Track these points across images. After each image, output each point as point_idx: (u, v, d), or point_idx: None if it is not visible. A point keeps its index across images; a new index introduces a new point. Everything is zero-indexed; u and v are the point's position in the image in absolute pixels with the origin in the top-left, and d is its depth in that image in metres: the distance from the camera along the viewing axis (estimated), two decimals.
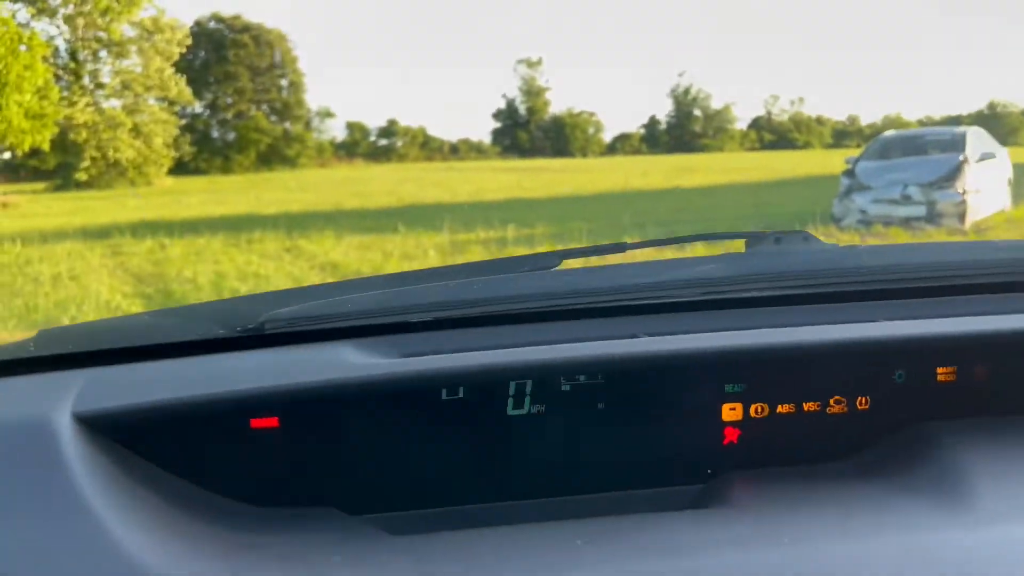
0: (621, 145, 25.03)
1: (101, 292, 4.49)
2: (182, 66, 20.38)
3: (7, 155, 15.67)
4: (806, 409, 0.49)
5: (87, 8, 18.26)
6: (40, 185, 17.35)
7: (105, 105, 18.70)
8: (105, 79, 18.93)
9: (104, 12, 18.01)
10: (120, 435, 0.43)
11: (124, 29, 19.45)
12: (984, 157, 5.99)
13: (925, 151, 6.22)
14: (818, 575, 0.35)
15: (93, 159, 17.56)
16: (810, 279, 0.56)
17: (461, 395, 0.48)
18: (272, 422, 0.44)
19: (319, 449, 0.47)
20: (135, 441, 0.43)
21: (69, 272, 5.19)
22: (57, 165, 17.31)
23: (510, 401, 0.49)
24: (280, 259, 5.56)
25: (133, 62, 20.03)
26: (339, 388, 0.45)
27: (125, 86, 19.97)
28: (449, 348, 0.50)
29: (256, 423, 0.44)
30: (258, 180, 18.34)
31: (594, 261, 0.62)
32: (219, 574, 0.36)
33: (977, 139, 6.24)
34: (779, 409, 0.49)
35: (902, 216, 5.70)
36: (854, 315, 0.53)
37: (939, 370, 0.50)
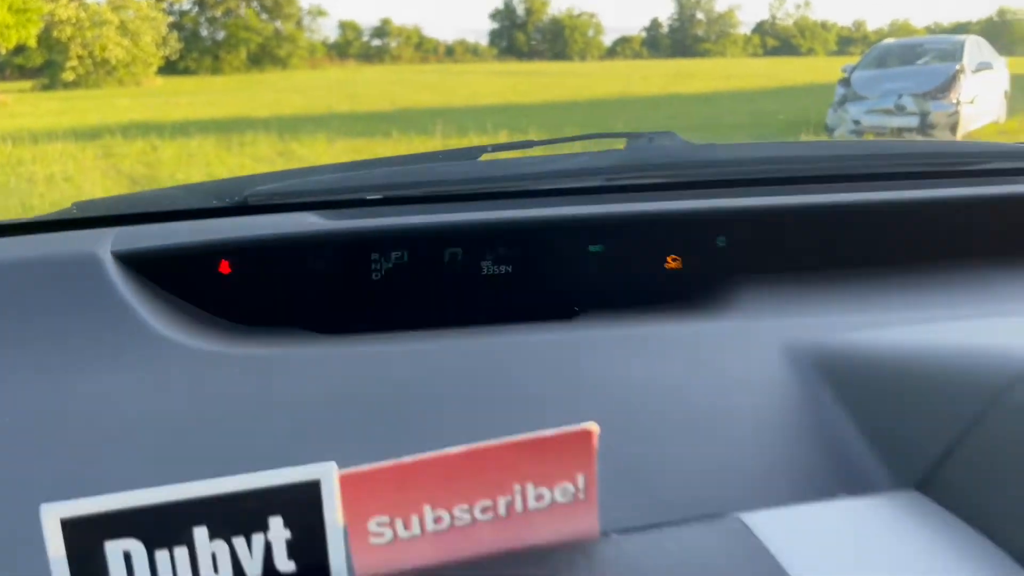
0: (621, 49, 25.01)
1: (95, 193, 4.73)
2: None
3: None
4: (649, 263, 0.68)
5: None
6: (27, 84, 18.10)
7: (90, 0, 19.25)
8: None
9: None
10: (145, 269, 0.61)
11: None
12: (981, 67, 6.25)
13: (923, 60, 6.42)
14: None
15: (80, 57, 18.46)
16: (670, 169, 0.76)
17: (400, 259, 0.66)
18: (226, 267, 0.62)
19: (276, 288, 0.64)
20: (157, 275, 0.61)
21: (63, 173, 5.38)
22: (43, 63, 18.18)
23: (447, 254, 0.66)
24: (273, 163, 5.83)
25: None
26: (286, 240, 0.64)
27: None
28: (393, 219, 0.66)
29: (224, 265, 0.63)
30: (248, 81, 19.10)
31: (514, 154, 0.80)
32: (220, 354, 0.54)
33: (976, 48, 6.46)
34: (628, 262, 0.67)
35: (895, 126, 5.86)
36: (694, 195, 0.72)
37: (748, 237, 0.68)
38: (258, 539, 0.32)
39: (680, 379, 0.50)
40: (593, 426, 0.34)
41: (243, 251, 0.63)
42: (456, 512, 0.34)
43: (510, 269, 0.68)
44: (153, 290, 0.61)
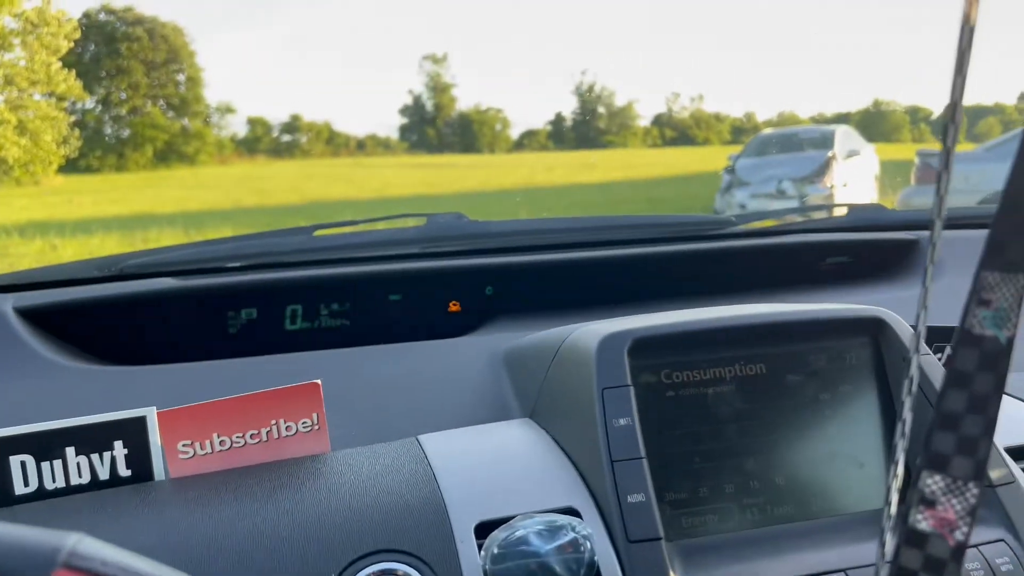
0: (528, 141, 26.52)
1: None
2: (71, 60, 21.04)
3: None
4: (436, 307, 0.93)
5: None
6: None
7: None
8: None
9: None
10: (40, 321, 0.80)
11: (6, 21, 20.37)
12: (851, 154, 6.90)
13: (799, 148, 7.10)
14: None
15: None
16: (456, 239, 0.98)
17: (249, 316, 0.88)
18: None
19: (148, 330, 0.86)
20: (49, 325, 0.80)
21: None
22: None
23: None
24: None
25: (16, 56, 20.40)
26: (142, 297, 0.84)
27: (8, 81, 20.43)
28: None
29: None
30: (155, 178, 18.87)
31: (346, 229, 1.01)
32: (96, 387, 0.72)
33: (845, 137, 7.16)
34: (421, 306, 0.92)
35: (777, 209, 6.90)
36: (471, 257, 0.95)
37: (508, 286, 0.95)
38: (107, 455, 0.54)
39: (426, 369, 0.76)
40: (318, 381, 0.58)
41: (114, 306, 0.84)
42: (234, 438, 0.57)
43: (337, 311, 0.91)
44: (46, 335, 0.79)
